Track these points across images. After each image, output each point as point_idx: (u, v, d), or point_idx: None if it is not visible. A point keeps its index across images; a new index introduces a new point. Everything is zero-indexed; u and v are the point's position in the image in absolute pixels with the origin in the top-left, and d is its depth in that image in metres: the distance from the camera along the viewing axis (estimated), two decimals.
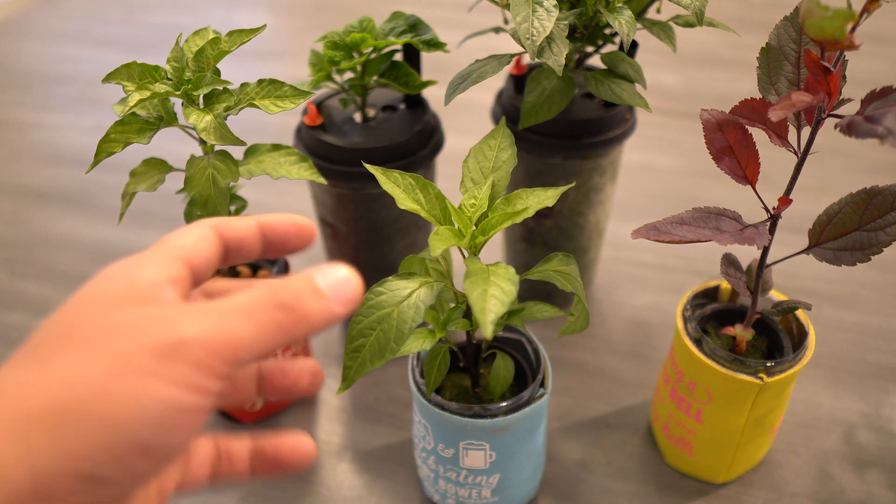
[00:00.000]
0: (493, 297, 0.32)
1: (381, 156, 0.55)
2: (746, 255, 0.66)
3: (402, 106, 0.59)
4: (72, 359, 0.24)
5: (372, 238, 0.60)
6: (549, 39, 0.45)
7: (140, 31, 1.27)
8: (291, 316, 0.27)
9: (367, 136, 0.55)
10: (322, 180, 0.48)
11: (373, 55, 0.54)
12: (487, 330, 0.31)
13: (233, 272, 0.55)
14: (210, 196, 0.44)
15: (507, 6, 0.52)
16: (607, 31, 0.54)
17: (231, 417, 0.60)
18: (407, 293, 0.36)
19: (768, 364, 0.46)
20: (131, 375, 0.24)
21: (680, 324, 0.50)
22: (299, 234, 0.33)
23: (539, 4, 0.44)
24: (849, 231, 0.42)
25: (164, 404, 0.24)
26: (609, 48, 0.57)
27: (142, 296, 0.26)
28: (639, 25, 0.52)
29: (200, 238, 0.30)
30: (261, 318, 0.26)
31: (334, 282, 0.28)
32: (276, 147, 0.49)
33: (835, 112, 0.37)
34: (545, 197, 0.41)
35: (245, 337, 0.26)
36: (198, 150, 0.47)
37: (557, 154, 0.57)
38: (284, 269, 0.56)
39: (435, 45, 0.54)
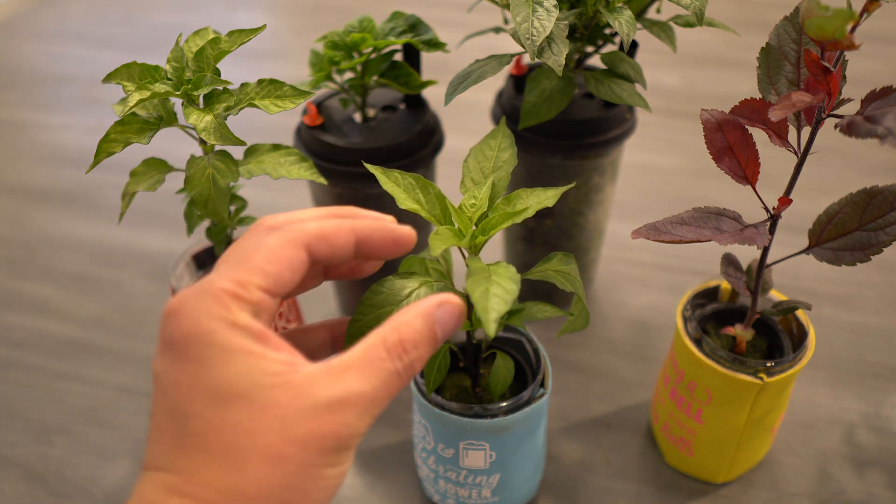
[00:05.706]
0: (496, 296, 0.32)
1: (381, 156, 0.55)
2: (746, 255, 0.66)
3: (402, 106, 0.59)
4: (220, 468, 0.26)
5: None
6: (549, 39, 0.45)
7: (140, 31, 1.27)
8: (409, 372, 0.28)
9: (367, 136, 0.55)
10: (322, 180, 0.48)
11: (373, 55, 0.54)
12: (490, 328, 0.31)
13: None
14: (210, 196, 0.44)
15: (507, 6, 0.52)
16: (607, 31, 0.54)
17: None
18: (407, 293, 0.36)
19: (768, 364, 0.46)
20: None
21: (680, 324, 0.50)
22: (395, 247, 0.32)
23: (539, 4, 0.44)
24: (849, 231, 0.42)
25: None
26: (609, 48, 0.57)
27: (245, 386, 0.26)
28: (639, 25, 0.52)
29: (288, 266, 0.28)
30: (381, 374, 0.28)
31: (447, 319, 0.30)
32: (276, 147, 0.49)
33: (835, 112, 0.37)
34: (545, 197, 0.41)
35: (366, 392, 0.27)
36: (198, 150, 0.47)
37: (557, 154, 0.57)
38: None
39: (435, 45, 0.54)
